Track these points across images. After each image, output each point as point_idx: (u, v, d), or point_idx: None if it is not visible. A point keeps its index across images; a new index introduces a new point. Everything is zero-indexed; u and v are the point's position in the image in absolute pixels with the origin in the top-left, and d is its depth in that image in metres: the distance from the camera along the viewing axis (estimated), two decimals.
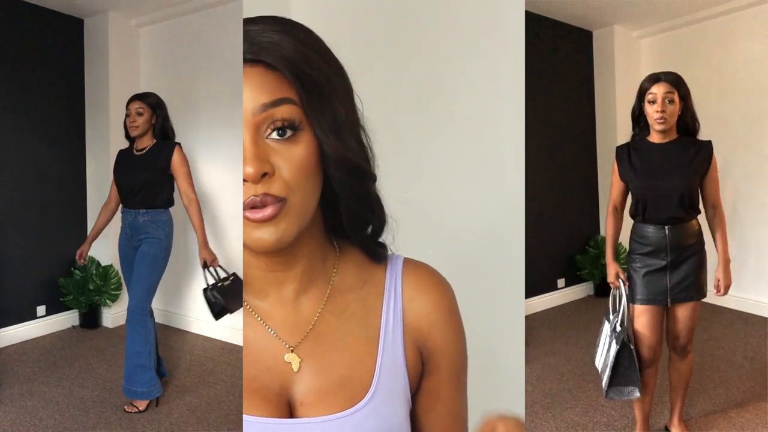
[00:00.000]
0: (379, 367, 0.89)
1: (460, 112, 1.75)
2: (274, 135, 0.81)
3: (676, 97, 2.05)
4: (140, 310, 2.66)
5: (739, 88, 4.15)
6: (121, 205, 2.78)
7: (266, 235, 0.81)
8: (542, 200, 4.25)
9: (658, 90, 2.05)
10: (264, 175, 0.80)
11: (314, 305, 0.91)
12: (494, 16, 1.72)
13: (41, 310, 3.86)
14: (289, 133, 0.81)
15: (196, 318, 3.88)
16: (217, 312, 2.44)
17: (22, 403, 2.78)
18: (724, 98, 4.22)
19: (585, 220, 4.73)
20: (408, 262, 0.96)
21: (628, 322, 2.12)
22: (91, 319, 3.99)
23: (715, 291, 2.18)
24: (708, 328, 3.73)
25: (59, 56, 3.96)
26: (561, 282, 4.51)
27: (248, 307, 0.93)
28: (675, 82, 2.07)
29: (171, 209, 2.78)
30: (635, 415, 2.31)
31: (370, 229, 0.94)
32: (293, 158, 0.82)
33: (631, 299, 2.14)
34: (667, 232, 2.09)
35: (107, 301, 3.95)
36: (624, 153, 2.18)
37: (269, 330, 0.91)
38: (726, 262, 2.16)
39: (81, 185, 4.09)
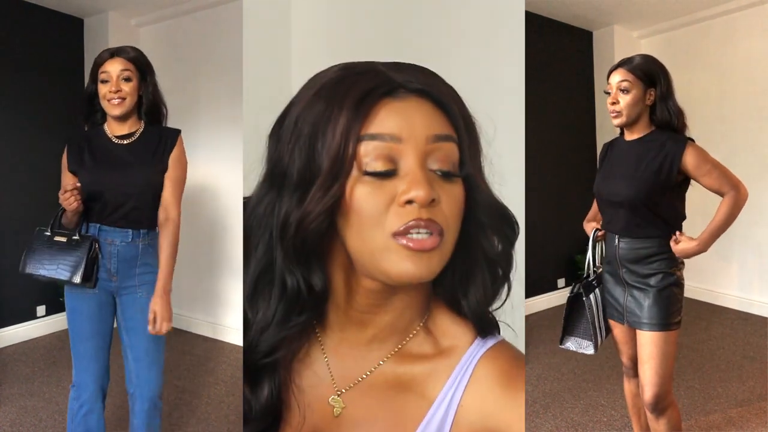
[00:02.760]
0: None
1: None
2: (437, 172, 0.77)
3: (635, 86, 1.70)
4: (159, 396, 1.82)
5: (739, 88, 4.15)
6: (85, 224, 1.82)
7: (422, 268, 0.74)
8: (542, 200, 4.25)
9: (612, 79, 1.75)
10: (432, 201, 0.75)
11: (380, 355, 0.85)
12: (494, 16, 1.72)
13: (41, 310, 3.86)
14: (452, 175, 0.78)
15: (197, 318, 3.87)
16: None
17: (22, 403, 2.78)
18: (724, 98, 4.22)
19: (585, 219, 4.73)
20: (492, 347, 0.87)
21: (595, 276, 1.93)
22: None
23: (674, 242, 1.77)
24: (708, 328, 3.72)
25: (59, 56, 3.95)
26: (561, 282, 4.51)
27: (318, 335, 0.87)
28: (636, 67, 1.71)
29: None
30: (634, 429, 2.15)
31: (481, 295, 0.87)
32: (453, 195, 0.78)
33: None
34: (617, 241, 1.82)
35: None
36: (603, 152, 1.99)
37: (326, 366, 0.86)
38: (700, 242, 1.72)
39: None
